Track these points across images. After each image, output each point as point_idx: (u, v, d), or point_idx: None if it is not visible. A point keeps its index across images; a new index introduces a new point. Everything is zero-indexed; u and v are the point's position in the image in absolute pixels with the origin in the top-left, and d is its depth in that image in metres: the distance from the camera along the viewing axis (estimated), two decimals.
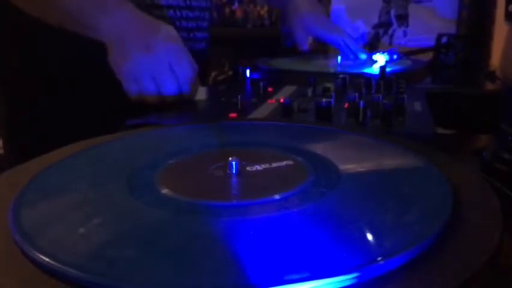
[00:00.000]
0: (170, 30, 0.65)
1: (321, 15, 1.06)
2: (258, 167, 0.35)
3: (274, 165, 0.35)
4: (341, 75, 0.70)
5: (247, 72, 0.80)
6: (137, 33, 0.63)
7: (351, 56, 1.00)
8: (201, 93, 0.67)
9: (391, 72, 0.80)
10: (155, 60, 0.62)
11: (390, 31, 1.37)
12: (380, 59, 0.95)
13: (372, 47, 1.33)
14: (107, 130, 0.52)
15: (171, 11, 0.79)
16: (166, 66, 0.62)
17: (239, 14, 2.20)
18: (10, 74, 0.79)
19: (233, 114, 0.58)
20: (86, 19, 0.64)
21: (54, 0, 0.65)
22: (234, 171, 0.34)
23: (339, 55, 1.00)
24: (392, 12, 1.36)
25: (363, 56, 1.00)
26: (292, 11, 1.05)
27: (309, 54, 1.07)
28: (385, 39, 1.37)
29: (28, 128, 0.77)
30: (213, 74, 0.92)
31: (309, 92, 0.68)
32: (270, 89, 0.72)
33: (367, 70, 0.85)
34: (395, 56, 0.98)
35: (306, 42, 1.04)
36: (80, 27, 0.65)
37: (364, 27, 1.39)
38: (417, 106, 0.61)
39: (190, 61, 0.65)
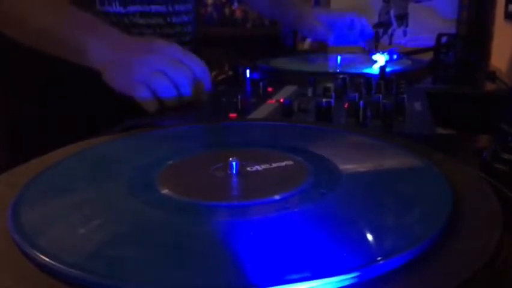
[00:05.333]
0: (162, 39, 0.66)
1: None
2: (258, 168, 0.35)
3: (274, 165, 0.35)
4: (341, 75, 0.70)
5: (247, 72, 0.80)
6: (133, 46, 0.62)
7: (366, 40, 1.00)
8: None
9: (391, 72, 0.80)
10: (163, 58, 0.61)
11: (390, 31, 1.37)
12: (380, 59, 0.95)
13: (371, 47, 1.33)
14: (107, 130, 0.52)
15: (151, 30, 0.79)
16: (176, 61, 0.61)
17: (239, 13, 2.20)
18: (11, 75, 0.79)
19: (233, 114, 0.58)
20: (73, 44, 0.63)
21: (37, 24, 0.65)
22: (234, 172, 0.34)
23: (339, 56, 1.00)
24: (392, 12, 1.36)
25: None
26: (301, 15, 1.03)
27: (309, 54, 1.07)
28: (385, 39, 1.37)
29: (29, 128, 0.77)
30: (213, 74, 0.92)
31: (309, 92, 0.68)
32: (270, 89, 0.72)
33: (367, 70, 0.85)
34: (395, 56, 0.98)
35: (330, 35, 1.02)
36: (65, 53, 0.64)
37: None
38: (417, 106, 0.61)
39: (195, 56, 0.65)
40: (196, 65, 0.63)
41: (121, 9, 0.75)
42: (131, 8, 0.76)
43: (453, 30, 1.25)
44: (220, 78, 0.89)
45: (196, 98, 0.62)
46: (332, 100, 0.55)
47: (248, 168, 0.35)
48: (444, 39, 0.99)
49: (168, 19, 0.81)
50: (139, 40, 0.65)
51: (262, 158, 0.36)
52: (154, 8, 0.79)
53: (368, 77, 0.72)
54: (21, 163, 0.38)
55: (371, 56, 0.99)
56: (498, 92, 0.76)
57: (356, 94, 0.58)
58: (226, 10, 2.21)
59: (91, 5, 0.72)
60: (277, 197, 0.30)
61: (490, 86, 0.80)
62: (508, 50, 1.02)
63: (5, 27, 0.68)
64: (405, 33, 1.35)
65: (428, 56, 1.02)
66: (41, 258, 0.24)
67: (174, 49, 0.63)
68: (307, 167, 0.35)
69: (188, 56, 0.63)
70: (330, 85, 0.67)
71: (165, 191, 0.32)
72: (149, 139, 0.45)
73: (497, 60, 1.09)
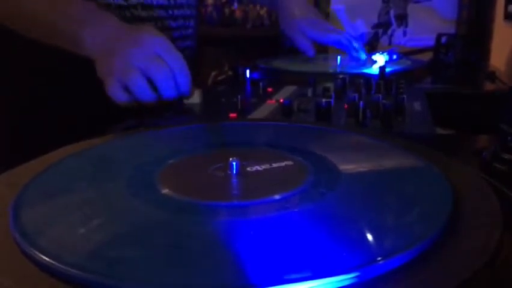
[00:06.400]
0: (153, 29, 0.65)
1: (316, 18, 1.03)
2: (258, 168, 0.35)
3: (274, 165, 0.35)
4: (341, 76, 0.71)
5: (247, 72, 0.80)
6: (122, 38, 0.62)
7: (355, 54, 0.99)
8: (195, 96, 0.65)
9: (391, 72, 0.81)
10: (145, 54, 0.59)
11: (389, 31, 1.37)
12: (380, 59, 0.95)
13: (372, 47, 1.33)
14: (108, 130, 0.52)
15: (152, 23, 0.78)
16: (157, 58, 0.60)
17: (239, 14, 2.20)
18: (11, 75, 0.79)
19: (233, 114, 0.58)
20: (68, 33, 0.63)
21: (32, 14, 0.65)
22: (234, 172, 0.34)
23: (339, 56, 1.00)
24: (392, 12, 1.36)
25: (363, 56, 0.99)
26: (287, 19, 1.02)
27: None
28: (384, 39, 1.37)
29: (29, 128, 0.77)
30: (213, 74, 0.92)
31: (309, 92, 0.68)
32: (269, 89, 0.72)
33: (367, 70, 0.85)
34: (394, 56, 0.98)
35: (310, 47, 1.00)
36: (60, 41, 0.64)
37: (363, 27, 1.39)
38: (417, 106, 0.61)
39: (179, 54, 0.63)
40: (176, 65, 0.61)
41: (123, 2, 0.75)
42: (133, 1, 0.76)
43: (452, 30, 1.25)
44: (220, 78, 0.89)
45: (172, 98, 0.61)
46: (332, 100, 0.55)
47: (248, 168, 0.35)
48: (444, 39, 0.99)
49: (170, 11, 0.81)
50: (130, 30, 0.63)
51: (262, 158, 0.36)
52: (155, 0, 0.78)
53: (368, 77, 0.72)
54: (21, 163, 0.38)
55: (371, 56, 0.99)
56: (498, 92, 0.76)
57: (356, 94, 0.58)
58: (226, 10, 2.21)
59: None
60: (277, 196, 0.30)
61: (489, 86, 0.80)
62: (508, 50, 1.02)
63: (1, 15, 0.68)
64: (404, 34, 1.35)
65: (427, 56, 1.03)
66: (42, 258, 0.24)
67: (160, 43, 0.61)
68: (307, 167, 0.35)
69: (170, 54, 0.61)
70: (330, 85, 0.67)
71: (165, 191, 0.32)
72: (149, 139, 0.45)
73: (497, 60, 1.09)
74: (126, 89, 0.59)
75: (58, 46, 0.64)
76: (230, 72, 0.88)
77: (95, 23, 0.63)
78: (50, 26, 0.65)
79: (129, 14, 0.75)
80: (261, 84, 0.72)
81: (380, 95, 0.57)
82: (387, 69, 0.79)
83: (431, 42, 1.03)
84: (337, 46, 1.00)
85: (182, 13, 0.84)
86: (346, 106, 0.57)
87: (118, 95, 0.59)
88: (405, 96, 0.57)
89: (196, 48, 0.92)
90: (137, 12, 0.77)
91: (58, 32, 0.64)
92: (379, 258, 0.23)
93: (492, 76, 0.82)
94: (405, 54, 1.04)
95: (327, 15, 1.49)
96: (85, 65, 0.65)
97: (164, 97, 0.60)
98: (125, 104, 0.60)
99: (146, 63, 0.59)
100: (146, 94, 0.59)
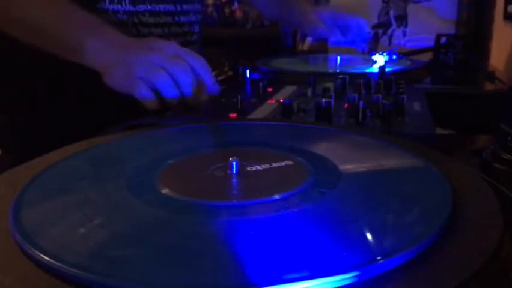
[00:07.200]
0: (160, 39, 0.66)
1: None
2: (258, 167, 0.35)
3: (274, 165, 0.35)
4: (341, 76, 0.71)
5: (247, 72, 0.80)
6: (132, 46, 0.62)
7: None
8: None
9: (391, 72, 0.81)
10: (162, 55, 0.59)
11: (389, 31, 1.37)
12: (380, 59, 0.95)
13: (372, 48, 1.33)
14: (109, 130, 0.52)
15: (159, 29, 0.79)
16: (175, 57, 0.59)
17: (239, 14, 2.20)
18: (12, 75, 0.79)
19: (233, 114, 0.58)
20: (72, 43, 0.63)
21: (37, 23, 0.65)
22: (234, 172, 0.34)
23: (339, 56, 1.00)
24: (391, 12, 1.36)
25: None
26: (302, 15, 1.04)
27: (309, 55, 1.07)
28: (384, 40, 1.37)
29: (29, 128, 0.77)
30: (213, 74, 0.92)
31: (309, 92, 0.68)
32: (269, 89, 0.72)
33: (367, 70, 0.85)
34: (394, 57, 0.98)
35: (331, 35, 1.04)
36: (63, 51, 0.64)
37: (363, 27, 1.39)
38: (417, 106, 0.61)
39: (197, 55, 0.63)
40: (197, 63, 0.60)
41: (131, 8, 0.76)
42: (141, 7, 0.77)
43: (452, 31, 1.25)
44: (220, 78, 0.89)
45: (196, 97, 0.60)
46: (332, 100, 0.55)
47: (248, 168, 0.35)
48: (443, 39, 0.99)
49: (176, 18, 0.82)
50: (137, 40, 0.65)
51: (262, 158, 0.36)
52: (162, 6, 0.79)
53: (368, 77, 0.72)
54: (21, 163, 0.38)
55: (371, 56, 0.99)
56: (497, 92, 0.76)
57: (356, 94, 0.58)
58: (226, 10, 2.21)
59: (99, 2, 0.73)
60: (277, 196, 0.30)
61: (489, 86, 0.80)
62: (507, 50, 1.02)
63: (4, 25, 0.68)
64: (404, 34, 1.35)
65: (427, 57, 1.02)
66: (42, 257, 0.24)
67: (173, 47, 0.62)
68: (307, 167, 0.35)
69: (188, 54, 0.61)
70: (330, 85, 0.67)
71: (165, 191, 0.32)
72: (149, 139, 0.45)
73: (496, 60, 1.09)
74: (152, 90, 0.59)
75: (59, 55, 0.64)
76: (230, 72, 0.88)
77: (99, 34, 0.63)
78: (52, 35, 0.65)
79: (137, 19, 0.76)
80: (261, 84, 0.72)
81: (380, 95, 0.57)
82: (387, 69, 0.79)
83: (431, 42, 1.03)
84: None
85: (188, 19, 0.85)
86: (346, 106, 0.57)
87: (147, 96, 0.59)
88: (405, 96, 0.57)
89: (200, 53, 0.93)
90: (145, 18, 0.77)
91: (62, 42, 0.64)
92: (379, 258, 0.23)
93: (492, 76, 0.82)
94: (405, 55, 1.04)
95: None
96: (86, 66, 0.65)
97: (186, 94, 0.59)
98: (154, 106, 0.59)
99: (167, 63, 0.58)
100: (172, 91, 0.59)
